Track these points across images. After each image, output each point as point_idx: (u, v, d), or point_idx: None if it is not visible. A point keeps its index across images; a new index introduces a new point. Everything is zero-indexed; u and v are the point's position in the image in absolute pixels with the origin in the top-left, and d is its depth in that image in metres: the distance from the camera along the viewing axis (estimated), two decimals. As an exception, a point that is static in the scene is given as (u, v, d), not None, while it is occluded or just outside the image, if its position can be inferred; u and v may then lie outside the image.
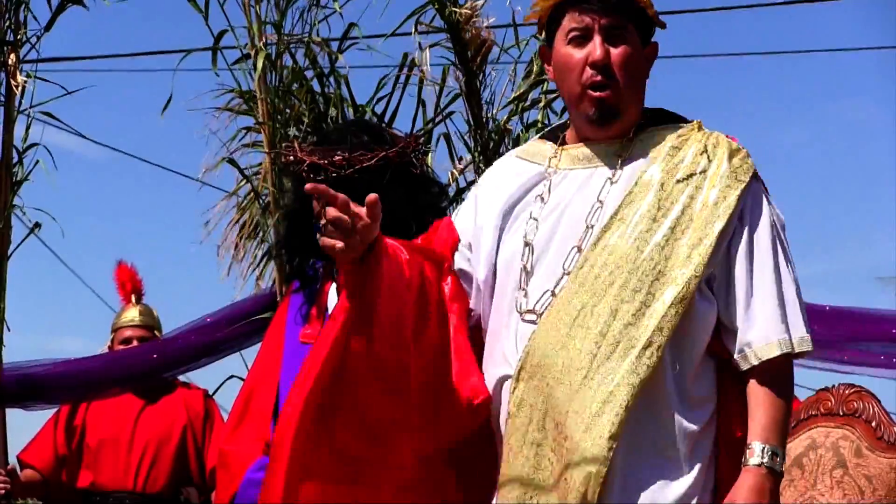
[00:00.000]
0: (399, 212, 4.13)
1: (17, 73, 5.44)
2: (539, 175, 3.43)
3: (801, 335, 3.26)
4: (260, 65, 5.45)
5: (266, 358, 4.39)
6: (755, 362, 3.23)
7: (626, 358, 3.15)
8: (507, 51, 5.99)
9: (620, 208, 3.27)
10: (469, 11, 5.78)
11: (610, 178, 3.33)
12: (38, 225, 5.54)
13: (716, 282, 3.26)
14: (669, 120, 3.43)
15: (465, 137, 5.83)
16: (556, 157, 3.43)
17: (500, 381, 3.31)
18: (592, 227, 3.29)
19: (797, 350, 3.25)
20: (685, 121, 3.42)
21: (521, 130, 5.89)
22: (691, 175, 3.28)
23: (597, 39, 3.31)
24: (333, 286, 4.29)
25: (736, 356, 3.26)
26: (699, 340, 3.23)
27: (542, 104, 5.99)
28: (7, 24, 5.44)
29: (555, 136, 3.50)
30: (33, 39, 5.50)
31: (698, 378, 3.24)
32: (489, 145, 5.80)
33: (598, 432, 3.11)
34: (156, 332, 6.63)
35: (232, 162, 5.56)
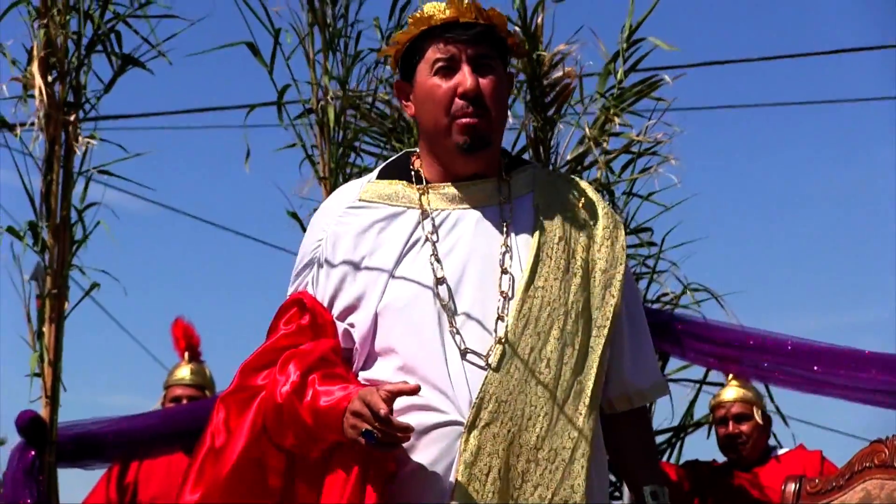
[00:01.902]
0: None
1: (79, 134, 5.51)
2: (412, 217, 3.25)
3: (661, 378, 3.40)
4: (331, 118, 5.49)
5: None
6: (640, 405, 3.30)
7: (580, 401, 3.14)
8: (574, 105, 6.02)
9: (539, 250, 3.20)
10: (558, 54, 5.82)
11: (506, 222, 3.23)
12: (96, 285, 5.58)
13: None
14: (518, 160, 3.37)
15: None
16: (424, 196, 3.27)
17: (438, 426, 3.14)
18: (508, 270, 3.18)
19: (664, 393, 3.43)
20: (527, 163, 3.38)
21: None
22: (581, 218, 3.26)
23: (466, 69, 3.21)
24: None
25: (613, 398, 3.26)
26: (601, 381, 3.21)
27: (600, 164, 6.00)
28: (69, 85, 5.53)
29: (401, 175, 3.33)
30: (93, 100, 5.57)
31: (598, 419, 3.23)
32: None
33: (573, 481, 3.11)
34: (206, 392, 6.64)
35: (294, 216, 5.58)
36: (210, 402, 6.15)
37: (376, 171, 3.41)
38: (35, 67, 5.31)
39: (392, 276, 3.22)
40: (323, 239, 3.31)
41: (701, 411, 6.68)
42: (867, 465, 4.89)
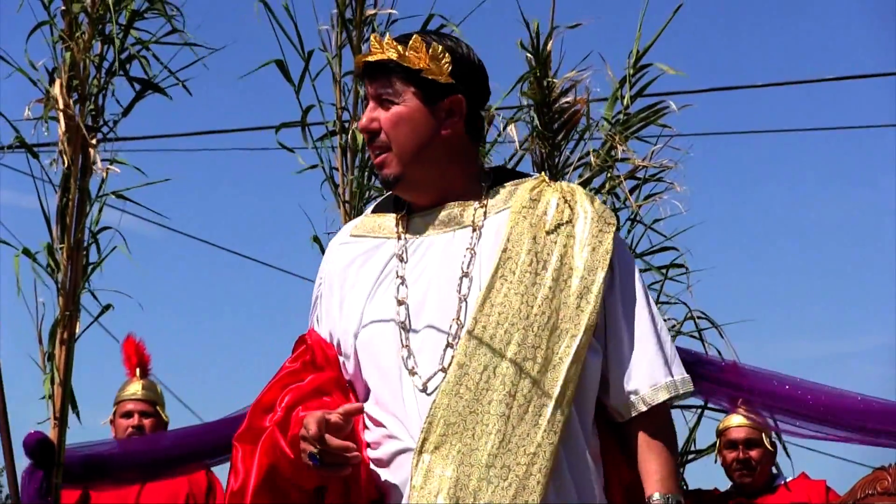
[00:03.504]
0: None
1: (97, 158, 5.55)
2: (389, 248, 3.33)
3: (682, 376, 3.28)
4: (358, 139, 5.53)
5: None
6: (644, 409, 3.24)
7: (541, 417, 3.13)
8: (581, 131, 6.05)
9: (499, 266, 3.21)
10: (567, 81, 5.87)
11: (468, 248, 3.26)
12: (109, 307, 5.62)
13: (597, 331, 3.23)
14: (511, 176, 3.39)
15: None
16: (401, 224, 3.35)
17: (398, 453, 3.21)
18: (466, 298, 3.21)
19: (682, 391, 3.28)
20: (526, 176, 3.40)
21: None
22: (559, 225, 3.25)
23: (369, 106, 3.31)
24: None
25: (617, 406, 3.25)
26: (592, 392, 3.22)
27: (605, 189, 6.05)
28: (89, 109, 5.57)
29: (390, 206, 3.42)
30: (111, 123, 5.61)
31: (593, 429, 3.23)
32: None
33: (527, 497, 3.09)
34: (158, 408, 6.75)
35: (317, 240, 5.61)
36: (220, 423, 6.19)
37: (371, 205, 3.50)
38: (58, 89, 5.36)
39: (364, 309, 3.30)
40: (322, 277, 3.42)
41: (703, 439, 6.70)
42: (870, 492, 4.96)
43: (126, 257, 5.69)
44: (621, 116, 6.07)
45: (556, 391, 3.14)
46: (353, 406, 3.22)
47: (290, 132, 5.69)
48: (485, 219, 3.28)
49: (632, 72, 6.14)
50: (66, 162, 5.48)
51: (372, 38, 3.31)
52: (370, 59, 3.28)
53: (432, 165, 3.29)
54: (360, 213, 5.52)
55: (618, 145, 5.91)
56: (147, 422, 6.70)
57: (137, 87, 5.61)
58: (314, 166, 5.59)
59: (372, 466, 3.24)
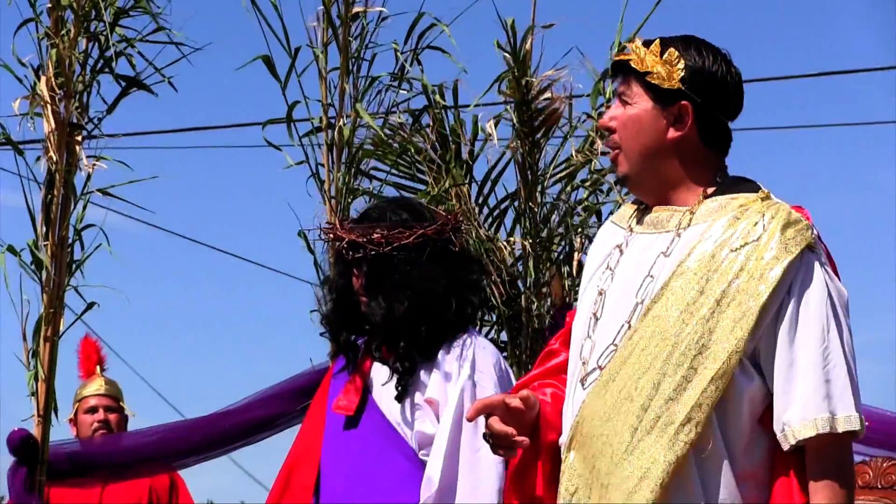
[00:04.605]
0: (438, 290, 4.22)
1: (83, 154, 5.55)
2: (619, 238, 3.45)
3: (847, 414, 3.15)
4: (345, 136, 5.54)
5: (308, 433, 4.48)
6: (792, 442, 3.16)
7: (665, 434, 3.14)
8: (562, 127, 6.06)
9: (671, 279, 3.24)
10: (545, 79, 5.87)
11: (663, 252, 3.31)
12: (93, 304, 5.62)
13: (761, 357, 3.21)
14: (743, 188, 3.37)
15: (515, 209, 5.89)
16: (633, 218, 3.45)
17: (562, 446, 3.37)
18: (643, 301, 3.27)
19: (841, 430, 3.15)
20: (755, 189, 3.36)
21: (569, 208, 5.95)
22: (743, 246, 3.23)
23: (614, 104, 3.43)
24: (376, 364, 4.37)
25: (777, 434, 3.19)
26: (745, 415, 3.19)
27: (589, 183, 6.05)
28: (75, 105, 5.57)
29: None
30: (96, 120, 5.62)
31: (748, 452, 3.20)
32: (539, 218, 5.86)
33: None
34: (121, 403, 6.77)
35: (302, 235, 5.61)
36: (215, 419, 6.16)
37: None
38: (44, 86, 5.37)
39: (583, 294, 3.48)
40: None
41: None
42: (851, 485, 4.95)
43: (112, 255, 5.69)
44: (603, 109, 6.07)
45: (684, 411, 3.15)
46: (519, 395, 3.32)
47: (277, 129, 5.68)
48: (688, 227, 3.32)
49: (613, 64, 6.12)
50: (51, 159, 5.47)
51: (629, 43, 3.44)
52: (616, 58, 3.42)
53: (656, 168, 3.36)
54: (346, 209, 5.54)
55: (598, 139, 5.91)
56: (112, 417, 6.71)
57: (123, 84, 5.61)
58: (300, 163, 5.60)
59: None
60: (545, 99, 5.86)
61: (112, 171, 5.56)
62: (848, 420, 3.16)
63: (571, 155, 5.91)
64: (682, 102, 3.33)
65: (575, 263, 5.82)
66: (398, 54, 5.78)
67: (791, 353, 3.19)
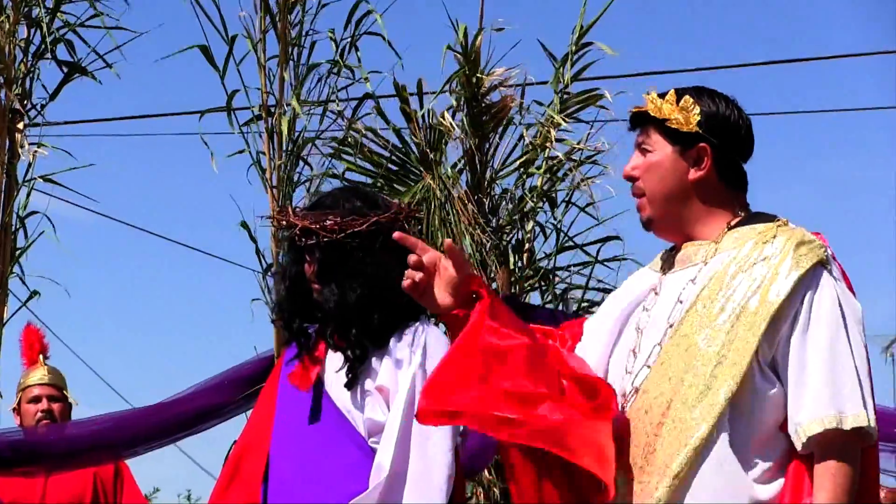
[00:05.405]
0: (390, 277, 4.20)
1: (25, 141, 5.51)
2: (653, 281, 3.66)
3: (855, 412, 3.31)
4: (285, 128, 5.52)
5: (258, 420, 4.44)
6: (803, 439, 3.31)
7: (685, 435, 3.34)
8: (511, 121, 6.07)
9: (696, 301, 3.45)
10: (495, 78, 5.89)
11: (691, 280, 3.51)
12: (36, 293, 5.59)
13: (779, 365, 3.38)
14: (764, 219, 3.58)
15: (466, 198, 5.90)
16: (666, 263, 3.65)
17: None
18: (672, 324, 3.48)
19: (848, 426, 3.30)
20: (773, 219, 3.57)
21: (525, 194, 5.95)
22: (760, 263, 3.42)
23: (634, 155, 3.63)
24: (329, 350, 4.35)
25: (791, 436, 3.35)
26: (764, 418, 3.37)
27: (543, 170, 6.07)
28: (16, 92, 5.52)
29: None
30: (38, 107, 5.57)
31: (765, 455, 3.37)
32: (489, 206, 5.88)
33: (657, 495, 3.35)
34: (64, 392, 6.72)
35: (245, 226, 5.59)
36: (161, 408, 6.13)
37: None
38: (-18, 73, 5.32)
39: (620, 333, 3.66)
40: (617, 292, 3.78)
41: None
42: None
43: (56, 242, 5.65)
44: (561, 96, 6.11)
45: (703, 419, 3.33)
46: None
47: (218, 117, 5.65)
48: (714, 256, 3.52)
49: (574, 48, 6.18)
50: (-10, 146, 5.43)
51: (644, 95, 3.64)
52: (634, 110, 3.63)
53: (680, 209, 3.58)
54: (287, 197, 5.52)
55: (551, 128, 5.93)
56: (56, 406, 6.66)
57: (65, 70, 5.56)
58: (241, 151, 5.57)
59: None
60: (490, 98, 5.89)
61: (59, 159, 5.54)
62: (856, 417, 3.31)
63: (526, 143, 5.94)
64: (701, 144, 3.55)
65: (525, 252, 5.86)
66: (335, 41, 5.77)
67: (802, 356, 3.36)
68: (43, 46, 5.42)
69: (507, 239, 5.89)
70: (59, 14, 5.40)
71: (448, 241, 3.55)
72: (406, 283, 3.53)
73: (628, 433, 3.47)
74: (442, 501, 4.06)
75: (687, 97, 3.57)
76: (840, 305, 3.40)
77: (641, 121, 3.62)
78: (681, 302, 3.48)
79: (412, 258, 3.51)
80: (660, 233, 3.63)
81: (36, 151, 5.48)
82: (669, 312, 3.50)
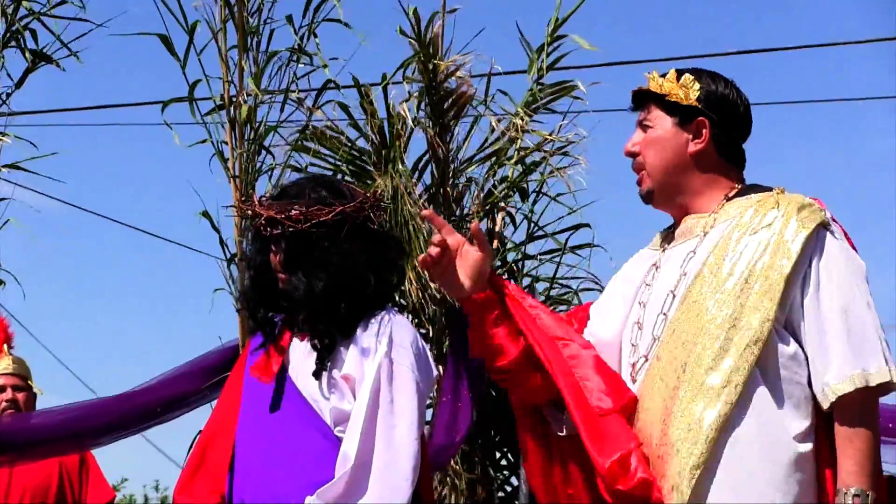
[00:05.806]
0: (357, 267, 4.21)
1: (-11, 130, 5.48)
2: (654, 258, 3.81)
3: (878, 367, 3.45)
4: (243, 116, 5.51)
5: (224, 409, 4.44)
6: (832, 399, 3.44)
7: (707, 396, 3.45)
8: (476, 107, 6.07)
9: (702, 269, 3.59)
10: (451, 64, 5.88)
11: (692, 251, 3.65)
12: (1, 283, 5.57)
13: (794, 326, 3.52)
14: (761, 189, 3.70)
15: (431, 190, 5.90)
16: (665, 240, 3.80)
17: None
18: (677, 294, 3.62)
19: (874, 382, 3.45)
20: (769, 189, 3.69)
21: (493, 185, 5.95)
22: (764, 229, 3.56)
23: (635, 133, 3.79)
24: (294, 340, 4.35)
25: (818, 396, 3.48)
26: (790, 379, 3.48)
27: (514, 160, 6.08)
28: (-22, 81, 5.50)
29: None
30: (3, 96, 5.55)
31: (796, 417, 3.48)
32: (454, 196, 5.87)
33: (683, 461, 3.45)
34: (29, 381, 6.74)
35: (206, 215, 5.58)
36: (127, 397, 6.11)
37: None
38: (-55, 63, 5.30)
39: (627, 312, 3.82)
40: (619, 273, 3.97)
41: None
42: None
43: (23, 231, 5.64)
44: (533, 86, 6.13)
45: (724, 376, 3.45)
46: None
47: (181, 107, 5.64)
48: (713, 227, 3.66)
49: (549, 39, 6.21)
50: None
51: (646, 74, 3.79)
52: (635, 89, 3.76)
53: (679, 181, 3.74)
54: (250, 186, 5.51)
55: (522, 118, 5.94)
56: (20, 396, 6.67)
57: (30, 59, 5.54)
58: (203, 141, 5.56)
59: None
60: (457, 78, 5.89)
61: (21, 148, 5.52)
62: (880, 372, 3.46)
63: (488, 134, 5.95)
64: (700, 118, 3.72)
65: (495, 241, 5.86)
66: (294, 28, 5.76)
67: (819, 318, 3.50)
68: (7, 35, 5.40)
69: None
70: (23, 2, 5.38)
71: (475, 223, 3.74)
72: (421, 258, 3.74)
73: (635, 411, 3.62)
74: (407, 491, 4.06)
75: (687, 75, 3.72)
76: (848, 265, 3.53)
77: (643, 99, 3.76)
78: (685, 274, 3.61)
79: (436, 237, 3.69)
80: (659, 205, 3.77)
81: (1, 140, 5.45)
82: (673, 284, 3.63)
